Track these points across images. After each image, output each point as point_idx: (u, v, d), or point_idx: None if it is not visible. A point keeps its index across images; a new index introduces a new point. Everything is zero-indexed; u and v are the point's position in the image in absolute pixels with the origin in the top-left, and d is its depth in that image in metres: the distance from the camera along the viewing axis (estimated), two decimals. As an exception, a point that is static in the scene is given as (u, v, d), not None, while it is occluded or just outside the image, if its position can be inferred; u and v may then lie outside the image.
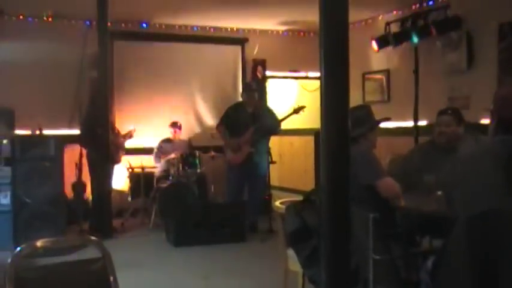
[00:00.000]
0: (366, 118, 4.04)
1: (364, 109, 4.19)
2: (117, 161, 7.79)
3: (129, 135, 8.07)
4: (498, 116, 2.08)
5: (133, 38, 8.99)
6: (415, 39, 6.81)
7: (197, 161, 7.93)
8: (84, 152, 7.36)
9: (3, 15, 8.08)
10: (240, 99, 7.72)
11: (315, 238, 3.35)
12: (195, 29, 9.37)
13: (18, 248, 2.14)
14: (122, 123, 8.39)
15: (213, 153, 8.16)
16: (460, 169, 2.10)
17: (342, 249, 3.00)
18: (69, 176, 7.33)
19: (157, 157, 8.24)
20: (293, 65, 9.87)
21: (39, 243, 2.18)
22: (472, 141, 4.04)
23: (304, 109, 7.37)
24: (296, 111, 7.37)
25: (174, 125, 8.47)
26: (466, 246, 1.94)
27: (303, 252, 3.52)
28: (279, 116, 7.46)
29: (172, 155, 7.90)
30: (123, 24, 8.85)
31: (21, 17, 8.30)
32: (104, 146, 7.26)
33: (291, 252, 3.73)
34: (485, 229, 1.90)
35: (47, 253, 2.27)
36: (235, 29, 9.58)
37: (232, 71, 9.65)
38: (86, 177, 7.58)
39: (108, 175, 7.34)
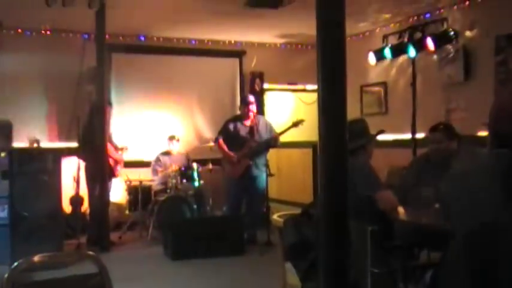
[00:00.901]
0: (364, 131, 4.07)
1: (362, 122, 4.22)
2: (115, 175, 7.77)
3: (125, 149, 8.04)
4: (493, 130, 2.08)
5: (131, 51, 9.01)
6: (412, 52, 6.84)
7: (195, 174, 7.93)
8: (82, 165, 7.35)
9: (1, 29, 8.09)
10: (238, 112, 7.72)
11: (314, 251, 3.34)
12: (193, 42, 9.40)
13: (15, 263, 2.12)
14: (120, 136, 8.38)
15: (211, 166, 8.15)
16: (457, 183, 2.10)
17: (340, 262, 2.99)
18: (67, 189, 7.32)
19: (155, 170, 8.23)
20: (291, 77, 9.91)
21: (36, 259, 2.17)
22: (467, 155, 4.05)
23: (303, 122, 7.37)
24: (295, 124, 7.36)
25: (172, 138, 8.47)
26: (465, 261, 1.93)
27: (301, 266, 3.50)
28: (278, 129, 7.46)
29: (169, 170, 7.89)
30: (121, 37, 8.88)
31: (19, 30, 8.33)
32: (102, 159, 7.24)
33: (289, 266, 3.71)
34: (483, 243, 1.90)
35: (44, 267, 2.26)
36: (233, 42, 9.62)
37: (230, 83, 9.68)
38: (84, 191, 7.56)
39: (106, 188, 7.31)
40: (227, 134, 7.45)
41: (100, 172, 7.23)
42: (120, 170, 7.86)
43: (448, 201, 2.11)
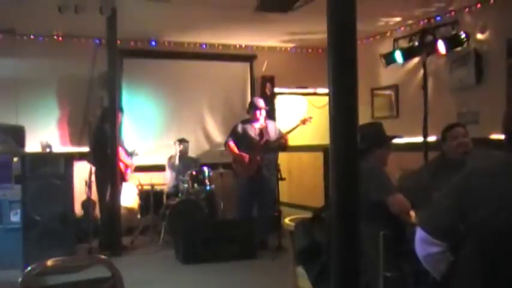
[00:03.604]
0: (370, 134, 4.03)
1: (373, 126, 4.20)
2: (126, 179, 7.79)
3: (134, 154, 8.06)
4: (506, 132, 2.08)
5: (142, 55, 9.04)
6: (423, 55, 6.82)
7: (206, 178, 7.94)
8: (93, 169, 7.38)
9: (14, 34, 8.16)
10: (248, 116, 7.72)
11: (325, 255, 3.33)
12: (204, 46, 9.41)
13: (29, 267, 2.13)
14: (131, 141, 8.41)
15: (221, 170, 8.16)
16: (474, 183, 2.07)
17: (351, 266, 2.98)
18: (79, 193, 7.35)
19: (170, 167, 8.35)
20: (301, 81, 9.89)
21: (49, 263, 2.18)
22: (482, 155, 4.05)
23: (311, 120, 7.42)
24: (303, 121, 7.42)
25: (182, 141, 8.48)
26: (479, 263, 1.92)
27: (312, 270, 3.49)
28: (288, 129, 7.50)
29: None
30: (132, 42, 8.91)
31: (32, 35, 8.38)
32: (113, 164, 7.26)
33: (300, 270, 3.71)
34: (499, 246, 1.88)
35: (57, 271, 2.27)
36: (243, 46, 9.62)
37: (240, 88, 9.68)
38: (96, 195, 7.59)
39: (116, 193, 7.34)
40: (236, 136, 7.50)
41: (111, 177, 7.26)
42: (130, 174, 7.89)
43: (463, 202, 2.07)
